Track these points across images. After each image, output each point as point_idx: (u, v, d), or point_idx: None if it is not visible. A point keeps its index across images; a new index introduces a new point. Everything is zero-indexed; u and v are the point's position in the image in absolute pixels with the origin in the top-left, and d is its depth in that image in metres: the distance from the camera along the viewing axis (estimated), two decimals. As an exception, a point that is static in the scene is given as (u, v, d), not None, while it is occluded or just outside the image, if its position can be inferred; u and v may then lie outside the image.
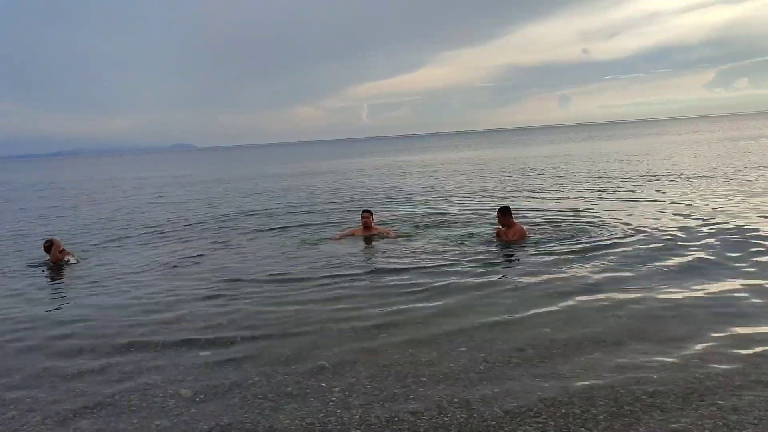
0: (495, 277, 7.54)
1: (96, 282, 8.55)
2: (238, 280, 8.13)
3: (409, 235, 10.68)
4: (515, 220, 9.67)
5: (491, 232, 10.09)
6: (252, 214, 15.74)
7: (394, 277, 7.79)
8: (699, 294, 6.42)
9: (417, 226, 11.85)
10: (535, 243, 9.28)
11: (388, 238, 10.41)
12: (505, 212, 9.41)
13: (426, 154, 57.30)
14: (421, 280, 7.53)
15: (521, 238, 9.28)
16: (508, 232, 9.35)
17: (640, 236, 9.51)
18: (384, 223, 12.18)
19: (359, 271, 8.23)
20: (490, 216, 11.90)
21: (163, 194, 26.14)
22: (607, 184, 18.16)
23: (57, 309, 7.28)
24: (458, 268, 8.00)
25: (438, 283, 7.29)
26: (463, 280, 7.41)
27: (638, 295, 6.44)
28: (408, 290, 7.13)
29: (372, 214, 10.90)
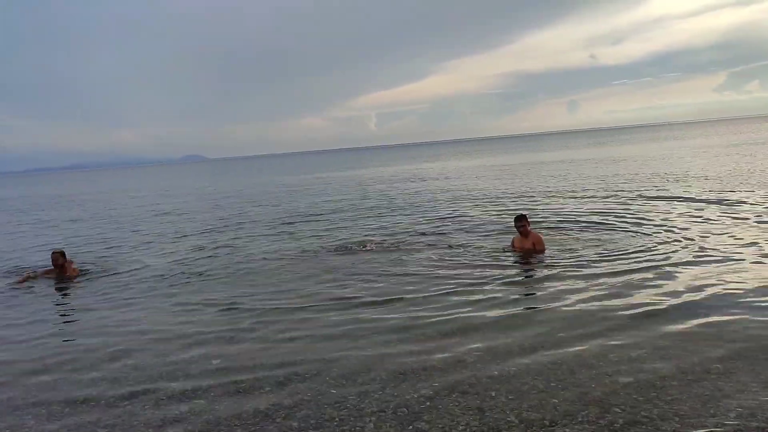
0: (508, 287, 7.50)
1: (99, 303, 8.19)
2: (251, 296, 8.12)
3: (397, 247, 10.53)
4: (532, 229, 9.47)
5: (506, 242, 9.89)
6: (267, 224, 15.83)
7: (408, 288, 7.79)
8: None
9: (424, 234, 11.86)
10: (559, 252, 9.01)
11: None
12: (521, 219, 9.23)
13: (437, 162, 57.19)
14: (435, 291, 7.51)
15: (539, 246, 9.10)
16: (525, 241, 9.17)
17: (672, 243, 9.27)
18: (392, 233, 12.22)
19: (372, 283, 8.26)
20: (508, 223, 11.83)
21: (183, 206, 26.33)
22: (634, 189, 17.96)
23: (69, 337, 6.74)
24: (474, 281, 7.81)
25: (454, 296, 7.14)
26: (479, 292, 7.31)
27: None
28: (422, 302, 7.10)
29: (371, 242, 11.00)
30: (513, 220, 9.56)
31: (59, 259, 9.82)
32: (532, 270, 8.24)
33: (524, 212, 9.89)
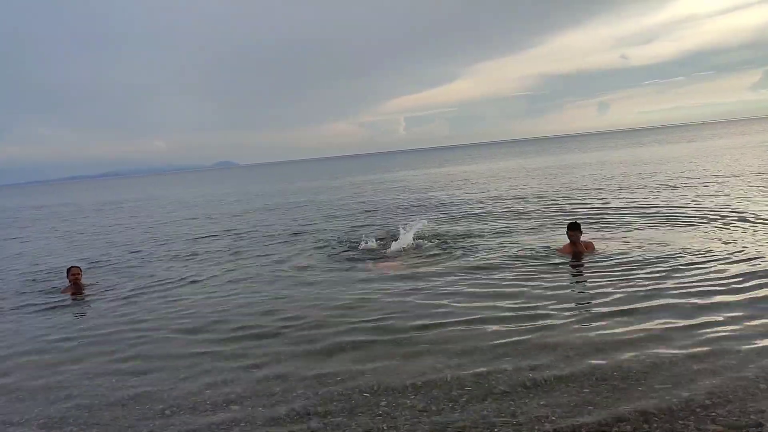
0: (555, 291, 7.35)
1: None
2: (282, 298, 8.20)
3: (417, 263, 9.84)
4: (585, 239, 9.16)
5: (552, 245, 9.56)
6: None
7: (442, 292, 7.74)
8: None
9: (462, 237, 11.61)
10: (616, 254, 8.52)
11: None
12: (575, 228, 8.85)
13: (474, 165, 56.40)
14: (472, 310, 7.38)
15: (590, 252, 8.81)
16: (576, 249, 8.85)
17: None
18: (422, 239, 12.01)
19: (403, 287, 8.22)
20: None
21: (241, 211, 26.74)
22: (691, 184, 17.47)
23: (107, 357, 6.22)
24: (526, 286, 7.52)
25: (487, 309, 6.82)
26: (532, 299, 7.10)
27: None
28: (456, 307, 7.03)
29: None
30: (566, 226, 9.18)
31: (78, 275, 9.54)
32: (584, 280, 7.70)
33: (576, 221, 9.35)
